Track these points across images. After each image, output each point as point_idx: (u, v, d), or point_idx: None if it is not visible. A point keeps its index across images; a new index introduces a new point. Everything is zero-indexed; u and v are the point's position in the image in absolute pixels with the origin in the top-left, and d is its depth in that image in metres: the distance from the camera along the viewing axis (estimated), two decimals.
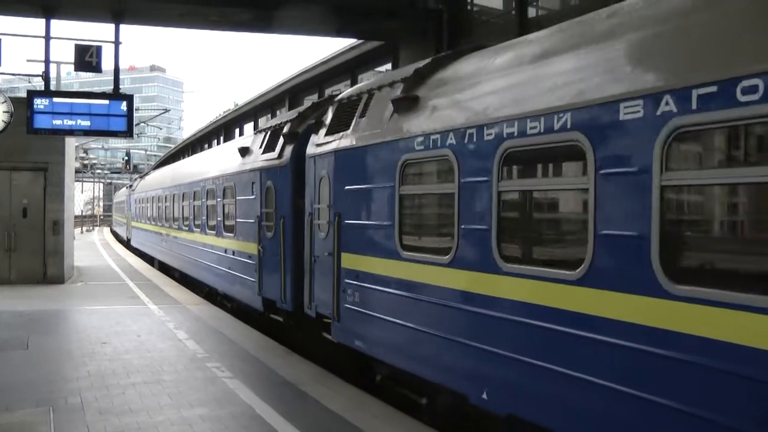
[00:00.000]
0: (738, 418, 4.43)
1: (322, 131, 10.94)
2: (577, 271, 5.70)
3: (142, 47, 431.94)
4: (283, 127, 13.29)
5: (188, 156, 44.66)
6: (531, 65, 6.73)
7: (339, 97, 11.11)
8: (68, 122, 16.75)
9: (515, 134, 6.43)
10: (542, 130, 6.13)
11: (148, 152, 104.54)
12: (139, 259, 33.10)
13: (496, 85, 7.14)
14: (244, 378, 9.68)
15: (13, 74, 24.95)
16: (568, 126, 5.86)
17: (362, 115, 9.76)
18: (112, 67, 17.22)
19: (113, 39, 16.89)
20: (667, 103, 4.93)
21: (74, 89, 33.07)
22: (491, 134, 6.78)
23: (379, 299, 8.84)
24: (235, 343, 12.21)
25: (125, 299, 17.90)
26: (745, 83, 4.40)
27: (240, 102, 40.97)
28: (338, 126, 10.40)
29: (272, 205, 13.15)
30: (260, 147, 14.37)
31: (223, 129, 43.18)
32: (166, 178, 27.49)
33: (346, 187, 9.83)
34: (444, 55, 9.26)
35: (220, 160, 18.37)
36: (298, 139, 12.45)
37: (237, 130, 40.02)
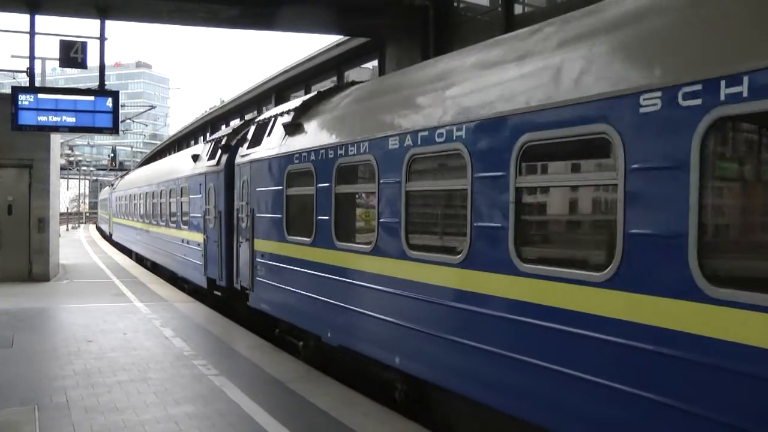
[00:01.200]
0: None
1: (245, 145, 13.93)
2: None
3: (127, 43, 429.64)
4: (222, 140, 16.42)
5: (174, 152, 44.65)
6: (358, 103, 9.96)
7: (257, 119, 14.41)
8: (53, 119, 16.68)
9: (345, 154, 9.40)
10: (355, 152, 9.13)
11: (134, 149, 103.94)
12: (125, 256, 33.01)
13: (342, 117, 10.17)
14: (230, 375, 9.66)
15: None
16: (364, 149, 8.88)
17: (269, 135, 12.69)
18: (97, 64, 17.16)
19: (98, 35, 16.81)
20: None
21: (59, 86, 32.90)
22: (332, 154, 9.76)
23: (274, 272, 11.93)
24: (221, 341, 12.19)
25: (111, 297, 17.82)
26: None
27: (226, 99, 40.86)
28: (254, 142, 13.36)
29: (212, 203, 16.16)
30: (206, 155, 17.49)
31: (209, 126, 43.04)
32: (140, 179, 30.74)
33: (257, 189, 12.81)
34: (326, 90, 12.38)
35: (180, 164, 21.26)
36: (231, 150, 15.29)
37: (223, 128, 39.90)
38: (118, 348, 11.47)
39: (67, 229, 63.28)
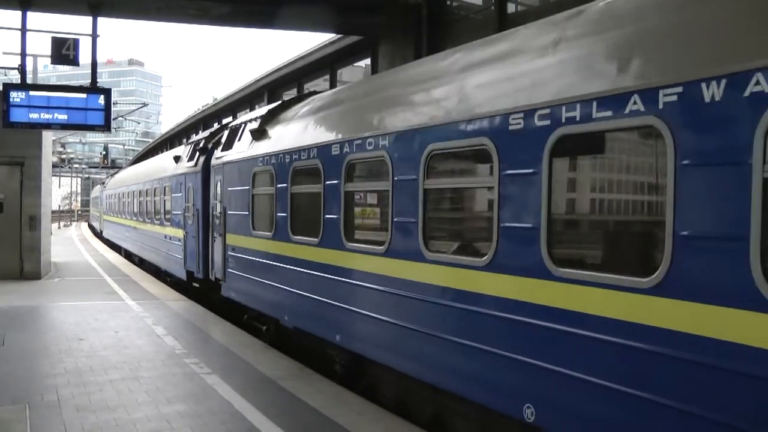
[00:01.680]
0: None
1: (220, 148, 15.35)
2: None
3: (120, 41, 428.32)
4: (200, 143, 17.76)
5: (167, 150, 44.69)
6: (311, 114, 11.10)
7: (231, 124, 15.98)
8: (45, 116, 16.62)
9: (298, 158, 10.64)
10: (307, 157, 10.37)
11: (126, 147, 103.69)
12: (116, 253, 32.92)
13: (297, 126, 11.35)
14: (222, 374, 9.65)
15: None
16: (313, 154, 10.18)
17: (239, 139, 14.07)
18: (89, 61, 17.10)
19: (91, 32, 16.75)
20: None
21: (51, 83, 32.84)
22: (287, 159, 11.07)
23: (242, 263, 13.28)
24: (213, 339, 12.17)
25: (103, 295, 17.77)
26: None
27: (219, 97, 40.78)
28: (227, 145, 14.74)
29: (191, 201, 17.48)
30: (186, 156, 18.80)
31: (202, 124, 42.95)
32: (129, 178, 32.25)
33: (229, 189, 14.13)
34: (289, 99, 13.80)
35: (163, 165, 22.51)
36: (208, 152, 16.54)
37: (216, 125, 39.82)
38: (110, 346, 11.44)
39: (59, 227, 63.05)
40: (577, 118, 5.44)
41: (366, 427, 7.46)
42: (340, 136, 9.43)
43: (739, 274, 4.27)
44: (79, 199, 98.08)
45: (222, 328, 13.33)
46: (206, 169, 16.30)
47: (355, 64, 23.12)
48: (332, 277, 9.49)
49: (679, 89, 4.66)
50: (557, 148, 5.65)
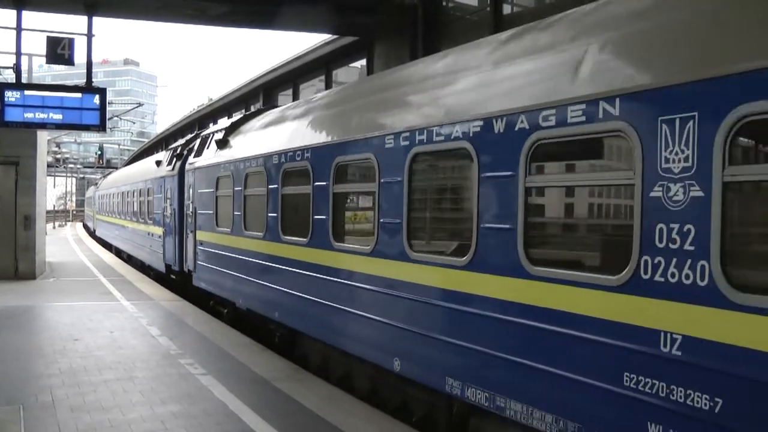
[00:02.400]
0: None
1: (192, 155, 17.29)
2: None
3: (115, 40, 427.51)
4: (177, 149, 19.71)
5: (163, 150, 44.85)
6: (268, 128, 12.72)
7: (202, 133, 17.90)
8: (40, 115, 16.56)
9: (250, 166, 12.52)
10: (256, 164, 12.24)
11: (121, 146, 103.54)
12: (111, 254, 32.88)
13: (250, 137, 13.32)
14: (217, 374, 9.64)
15: None
16: (258, 163, 12.16)
17: (207, 147, 16.00)
18: (84, 60, 17.05)
19: (86, 31, 16.71)
20: None
21: (46, 82, 32.76)
22: (242, 166, 12.97)
23: (207, 256, 15.27)
24: (208, 340, 12.15)
25: (98, 295, 17.75)
26: None
27: (214, 97, 40.72)
28: (198, 152, 16.69)
29: (169, 202, 19.24)
30: (166, 161, 20.57)
31: (197, 124, 42.90)
32: (118, 180, 34.42)
33: (199, 191, 16.11)
34: (250, 113, 15.67)
35: (147, 169, 24.39)
36: (183, 158, 18.32)
37: (211, 125, 39.78)
38: (105, 347, 11.42)
39: (54, 227, 62.94)
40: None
41: (360, 428, 7.46)
42: (275, 148, 11.46)
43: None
44: (74, 199, 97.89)
45: (217, 329, 13.31)
46: (182, 173, 17.99)
47: (351, 64, 23.12)
48: (269, 264, 11.52)
49: None
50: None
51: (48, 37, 16.61)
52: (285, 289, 10.85)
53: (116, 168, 58.21)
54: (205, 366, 10.14)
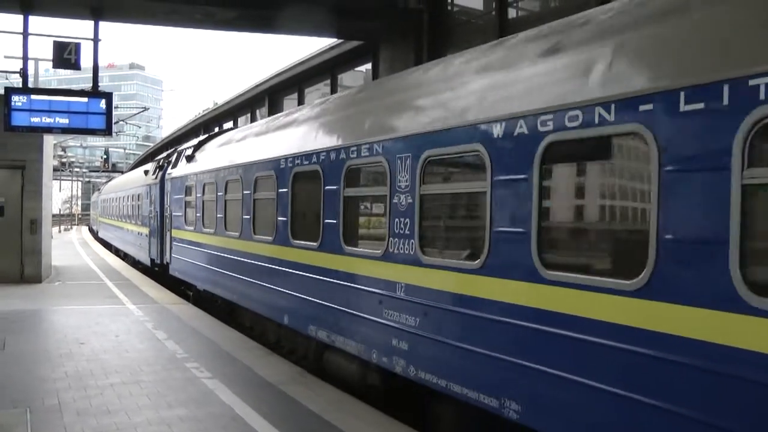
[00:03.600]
0: None
1: (170, 166, 20.42)
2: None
3: (121, 45, 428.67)
4: (160, 161, 23.15)
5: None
6: (221, 145, 15.97)
7: (179, 148, 21.03)
8: (46, 120, 16.63)
9: (206, 179, 15.76)
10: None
11: (127, 150, 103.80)
12: (117, 257, 32.94)
13: (210, 154, 16.44)
14: (223, 378, 9.64)
15: None
16: (213, 177, 15.57)
17: (181, 161, 18.92)
18: (90, 65, 17.11)
19: (92, 36, 16.77)
20: None
21: (53, 87, 32.83)
22: (205, 177, 15.88)
23: (178, 249, 18.62)
24: (214, 343, 12.16)
25: (103, 299, 17.77)
26: None
27: (220, 101, 40.81)
28: (174, 165, 19.88)
29: (153, 206, 22.53)
30: (152, 171, 23.80)
31: (202, 128, 42.99)
32: (117, 186, 38.60)
33: (174, 197, 19.46)
34: (214, 133, 19.42)
35: (139, 177, 27.65)
36: (164, 169, 21.40)
37: (216, 130, 39.83)
38: (111, 350, 11.44)
39: (59, 231, 63.06)
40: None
41: (366, 431, 7.47)
42: (240, 161, 13.55)
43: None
44: (79, 203, 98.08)
45: (222, 332, 13.33)
46: (163, 182, 21.15)
47: (356, 68, 23.15)
48: (213, 252, 14.99)
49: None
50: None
51: (55, 42, 16.69)
52: (226, 272, 14.06)
53: (122, 172, 58.62)
54: (211, 369, 10.15)
